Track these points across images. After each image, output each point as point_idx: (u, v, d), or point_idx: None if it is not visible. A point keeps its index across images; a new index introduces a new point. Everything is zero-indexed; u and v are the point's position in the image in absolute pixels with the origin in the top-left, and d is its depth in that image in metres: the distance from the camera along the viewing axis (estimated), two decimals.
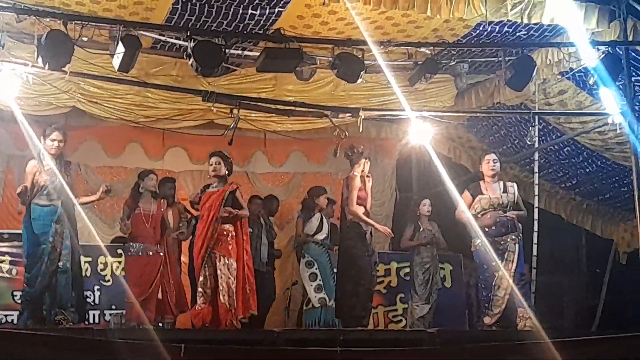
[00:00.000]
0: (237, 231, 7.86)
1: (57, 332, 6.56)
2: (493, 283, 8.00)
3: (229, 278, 7.68)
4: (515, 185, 8.34)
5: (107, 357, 5.92)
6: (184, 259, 8.96)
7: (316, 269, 8.83)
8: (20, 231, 8.65)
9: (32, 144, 7.55)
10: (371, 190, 8.46)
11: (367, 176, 8.35)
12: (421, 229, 9.36)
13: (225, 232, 7.78)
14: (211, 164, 7.92)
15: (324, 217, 9.08)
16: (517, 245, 8.04)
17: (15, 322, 8.26)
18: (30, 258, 7.38)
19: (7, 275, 8.77)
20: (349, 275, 8.16)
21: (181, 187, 10.29)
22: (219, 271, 7.69)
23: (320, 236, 8.96)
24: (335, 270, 8.69)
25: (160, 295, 8.34)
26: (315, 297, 8.78)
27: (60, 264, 7.42)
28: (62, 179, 7.46)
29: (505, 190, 8.16)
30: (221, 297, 7.64)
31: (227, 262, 7.72)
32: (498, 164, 8.27)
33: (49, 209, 7.40)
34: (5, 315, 8.64)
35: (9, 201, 10.19)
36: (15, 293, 8.66)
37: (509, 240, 8.03)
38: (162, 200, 8.43)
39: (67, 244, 7.47)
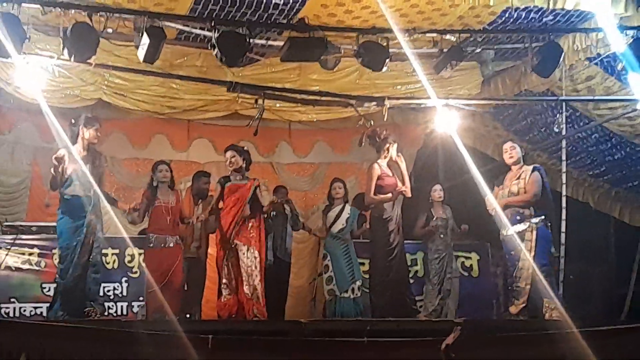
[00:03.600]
0: (258, 222, 7.89)
1: (87, 324, 6.62)
2: (514, 273, 7.95)
3: (249, 267, 7.72)
4: (530, 168, 8.15)
5: (134, 349, 5.95)
6: (211, 250, 8.97)
7: (329, 260, 8.79)
8: (48, 224, 8.80)
9: (59, 135, 7.59)
10: (407, 171, 8.47)
11: (398, 156, 8.32)
12: (434, 217, 9.24)
13: (247, 223, 7.81)
14: (227, 159, 7.96)
15: (346, 208, 9.01)
16: (533, 233, 7.93)
17: (44, 314, 8.34)
18: (65, 249, 7.41)
19: (36, 268, 8.81)
20: (379, 266, 8.18)
21: None
22: (241, 262, 7.73)
23: (336, 227, 8.89)
24: (352, 261, 8.73)
25: (186, 287, 8.36)
26: (326, 288, 8.77)
27: (92, 256, 7.48)
28: (94, 169, 7.51)
29: (518, 177, 8.08)
30: (244, 287, 7.68)
31: (249, 252, 7.77)
32: (516, 150, 8.17)
33: (85, 199, 7.44)
34: (35, 308, 8.70)
35: (36, 194, 10.27)
36: (44, 285, 8.73)
37: (525, 228, 7.94)
38: (180, 191, 8.40)
39: (98, 236, 7.54)
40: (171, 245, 8.00)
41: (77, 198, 7.42)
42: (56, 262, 7.81)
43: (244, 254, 7.78)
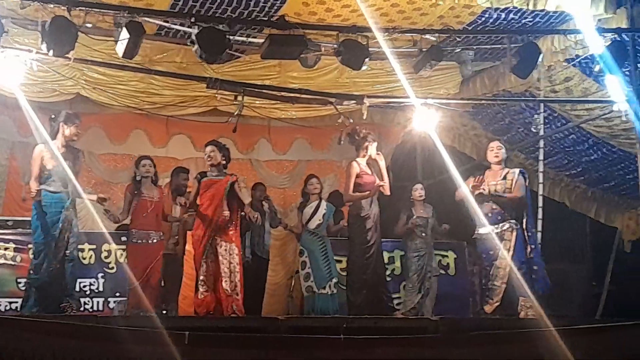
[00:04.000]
0: (235, 217, 7.89)
1: (63, 320, 6.57)
2: (491, 272, 7.99)
3: (231, 263, 7.72)
4: (517, 171, 8.20)
5: (111, 344, 5.93)
6: (189, 247, 8.95)
7: (306, 257, 8.80)
8: (24, 218, 8.75)
9: (37, 130, 7.54)
10: (387, 169, 8.48)
11: (378, 154, 8.34)
12: (414, 216, 9.27)
13: (225, 219, 7.80)
14: (206, 153, 7.94)
15: (322, 204, 9.03)
16: (513, 233, 7.98)
17: (19, 309, 8.28)
18: (39, 245, 7.36)
19: (12, 263, 8.76)
20: (356, 263, 8.21)
21: None
22: (220, 257, 7.72)
23: (313, 224, 8.91)
24: (329, 258, 8.77)
25: (163, 283, 8.34)
26: (304, 285, 8.78)
27: (68, 251, 7.42)
28: (73, 166, 7.46)
29: (504, 177, 8.12)
30: (223, 284, 7.67)
31: (228, 247, 7.75)
32: (502, 150, 8.20)
33: (59, 195, 7.38)
34: (10, 303, 8.66)
35: (13, 188, 10.22)
36: (19, 280, 8.67)
37: (505, 228, 7.99)
38: (163, 187, 8.38)
39: (74, 232, 7.48)
40: (155, 241, 7.99)
41: (51, 194, 7.36)
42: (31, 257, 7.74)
43: (225, 250, 7.76)
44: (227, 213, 7.79)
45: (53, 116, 7.58)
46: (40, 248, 7.35)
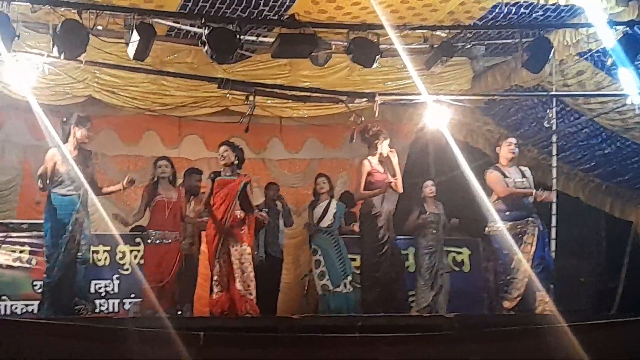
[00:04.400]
0: (248, 218, 7.90)
1: (78, 322, 6.59)
2: (512, 266, 7.96)
3: (242, 263, 7.73)
4: (528, 169, 8.27)
5: (126, 346, 5.94)
6: (203, 247, 8.97)
7: (320, 255, 8.81)
8: (39, 221, 8.75)
9: (49, 133, 7.57)
10: (399, 166, 8.46)
11: (391, 151, 8.31)
12: (427, 212, 9.26)
13: (238, 219, 7.81)
14: (219, 153, 7.95)
15: (332, 203, 9.04)
16: (536, 228, 7.99)
17: (35, 312, 8.32)
18: (51, 248, 7.37)
19: (27, 265, 8.82)
20: (369, 261, 8.20)
21: None
22: (232, 257, 7.73)
23: (324, 223, 8.92)
24: (343, 256, 8.80)
25: (177, 284, 8.36)
26: (319, 284, 8.78)
27: (80, 253, 7.44)
28: (84, 168, 7.48)
29: (523, 175, 8.12)
30: (236, 284, 7.67)
31: (240, 248, 7.75)
32: (517, 149, 8.23)
33: (70, 198, 7.40)
34: (26, 305, 8.71)
35: (27, 191, 10.24)
36: (35, 283, 8.73)
37: (529, 223, 7.98)
38: (181, 188, 8.40)
39: (86, 234, 7.49)
40: (170, 241, 8.02)
41: (61, 197, 7.39)
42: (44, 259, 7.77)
43: (237, 250, 7.76)
44: (239, 213, 7.80)
45: (65, 119, 7.61)
46: (51, 251, 7.37)
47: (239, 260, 7.72)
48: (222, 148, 7.97)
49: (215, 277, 7.76)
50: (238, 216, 7.78)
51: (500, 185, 8.03)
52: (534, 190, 8.07)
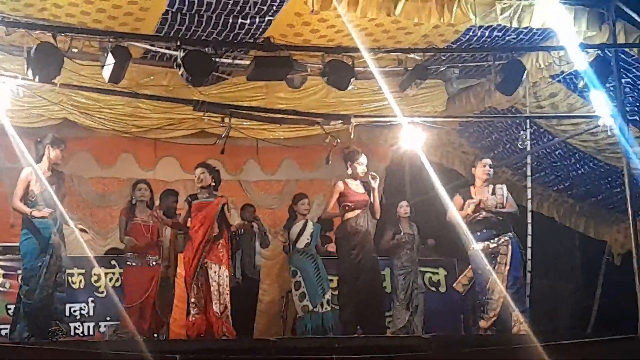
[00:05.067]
0: (225, 239, 7.90)
1: (54, 346, 6.54)
2: (487, 287, 8.00)
3: (220, 285, 7.73)
4: (504, 187, 8.32)
5: None
6: (180, 270, 8.94)
7: (299, 277, 8.78)
8: (13, 244, 8.72)
9: (23, 156, 7.53)
10: (380, 190, 8.51)
11: (373, 178, 8.29)
12: (401, 232, 9.30)
13: (216, 241, 7.81)
14: (196, 175, 7.98)
15: (309, 223, 9.05)
16: (509, 247, 8.03)
17: (8, 335, 8.24)
18: (28, 270, 7.28)
19: (1, 289, 8.73)
20: (344, 281, 8.20)
21: None
22: (210, 279, 7.72)
23: (301, 243, 8.92)
24: (322, 275, 8.77)
25: (155, 306, 8.33)
26: (299, 305, 8.75)
27: (59, 276, 7.39)
28: (58, 189, 7.45)
29: (493, 192, 8.17)
30: (213, 306, 7.66)
31: (218, 270, 7.77)
32: (492, 170, 8.30)
33: (47, 221, 7.35)
34: (0, 329, 8.59)
35: (1, 215, 10.14)
36: (9, 306, 8.61)
37: (500, 243, 8.03)
38: (158, 210, 8.38)
39: (62, 256, 7.45)
40: (153, 264, 8.02)
41: (41, 219, 7.34)
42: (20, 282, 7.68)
43: (215, 272, 7.76)
44: (217, 235, 7.81)
45: (39, 139, 7.59)
46: (30, 274, 7.27)
47: (216, 282, 7.72)
48: (199, 170, 7.99)
49: (192, 300, 7.74)
50: (217, 238, 7.79)
51: (457, 209, 8.11)
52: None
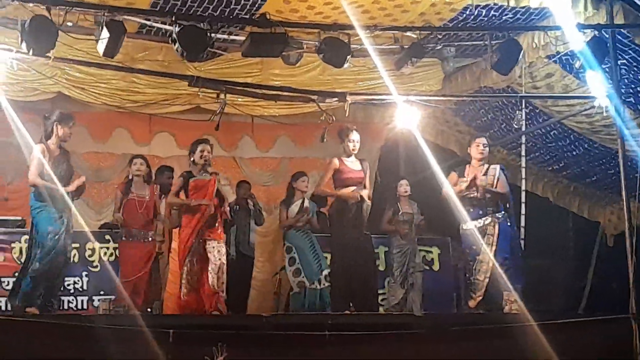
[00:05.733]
0: (221, 216, 7.94)
1: (47, 319, 6.56)
2: (474, 267, 8.05)
3: (218, 260, 7.74)
4: (498, 167, 8.36)
5: (95, 343, 5.93)
6: (174, 245, 8.95)
7: (294, 253, 8.83)
8: (6, 218, 8.77)
9: (18, 130, 7.52)
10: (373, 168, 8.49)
11: (363, 162, 8.36)
12: (400, 211, 9.31)
13: (214, 217, 7.83)
14: (202, 151, 7.94)
15: (305, 202, 9.06)
16: (496, 227, 8.06)
17: (2, 308, 8.27)
18: (44, 235, 7.26)
19: None
20: (337, 259, 8.21)
21: None
22: (209, 254, 7.74)
23: (300, 222, 8.95)
24: (317, 252, 8.82)
25: (149, 282, 8.34)
26: (294, 281, 8.79)
27: (68, 250, 7.50)
28: (68, 166, 7.56)
29: (485, 173, 8.19)
30: (209, 281, 7.67)
31: (217, 245, 7.79)
32: (487, 149, 8.32)
33: (61, 195, 7.37)
34: None
35: None
36: (3, 279, 8.65)
37: (487, 223, 8.06)
38: (154, 186, 8.38)
39: (68, 230, 7.48)
40: (149, 239, 8.05)
41: (54, 195, 7.33)
42: (27, 250, 7.60)
43: (214, 247, 7.78)
44: (214, 211, 7.81)
45: (46, 115, 7.59)
46: (44, 239, 7.25)
47: (215, 258, 7.73)
48: (205, 146, 7.96)
49: (185, 277, 7.74)
50: (214, 214, 7.81)
51: (450, 187, 8.14)
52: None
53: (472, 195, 8.10)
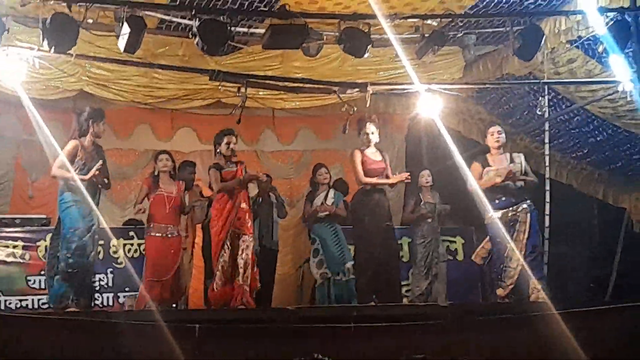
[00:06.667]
0: (249, 208, 7.94)
1: (73, 316, 6.60)
2: (505, 254, 7.99)
3: (248, 255, 7.75)
4: (522, 155, 8.31)
5: (121, 339, 5.95)
6: (198, 240, 8.98)
7: (318, 244, 8.85)
8: (32, 216, 8.83)
9: (40, 128, 7.56)
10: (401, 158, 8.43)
11: (383, 153, 8.32)
12: (422, 202, 9.28)
13: (244, 210, 7.83)
14: (228, 142, 7.95)
15: (330, 192, 9.05)
16: (528, 216, 8.01)
17: (30, 307, 8.33)
18: (73, 233, 7.25)
19: (21, 260, 8.79)
20: (361, 250, 8.19)
21: None
22: (239, 249, 7.74)
23: (322, 213, 8.95)
24: (341, 243, 8.84)
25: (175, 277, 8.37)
26: (317, 272, 8.80)
27: (95, 246, 7.52)
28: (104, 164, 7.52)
29: (512, 161, 8.14)
30: (240, 275, 7.67)
31: (247, 239, 7.79)
32: (503, 135, 8.24)
33: (93, 190, 7.41)
34: (20, 300, 8.67)
35: (20, 187, 10.22)
36: (29, 278, 8.70)
37: (519, 210, 8.00)
38: (180, 182, 8.40)
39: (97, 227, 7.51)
40: (175, 234, 8.04)
41: (85, 191, 7.33)
42: (51, 248, 7.60)
43: (243, 241, 7.77)
44: (244, 205, 7.82)
45: (79, 112, 7.63)
46: (73, 237, 7.25)
47: (245, 252, 7.73)
48: (232, 138, 7.97)
49: (219, 269, 7.72)
50: (244, 209, 7.81)
51: (476, 177, 8.08)
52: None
53: (501, 184, 8.03)
